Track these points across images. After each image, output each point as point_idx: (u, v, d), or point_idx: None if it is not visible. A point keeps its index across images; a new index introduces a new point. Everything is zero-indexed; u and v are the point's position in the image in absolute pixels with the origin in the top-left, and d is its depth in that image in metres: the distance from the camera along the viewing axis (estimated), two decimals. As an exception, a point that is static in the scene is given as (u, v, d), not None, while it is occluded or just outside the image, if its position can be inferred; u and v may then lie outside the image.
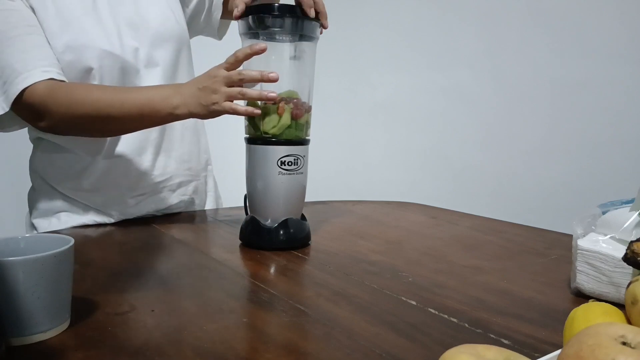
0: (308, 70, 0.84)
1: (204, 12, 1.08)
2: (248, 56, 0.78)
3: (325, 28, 0.82)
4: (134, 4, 0.97)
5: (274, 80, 0.76)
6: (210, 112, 0.79)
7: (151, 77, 0.97)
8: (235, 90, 0.77)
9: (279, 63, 0.82)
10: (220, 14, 1.08)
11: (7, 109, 0.83)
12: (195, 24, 1.11)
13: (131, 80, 0.95)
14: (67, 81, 0.86)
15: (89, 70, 0.89)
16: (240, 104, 0.79)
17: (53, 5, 0.88)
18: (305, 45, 0.83)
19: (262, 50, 0.76)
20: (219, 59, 1.17)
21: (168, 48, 0.99)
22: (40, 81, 0.82)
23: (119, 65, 0.92)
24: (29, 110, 0.84)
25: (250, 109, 0.78)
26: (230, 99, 0.78)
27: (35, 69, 0.82)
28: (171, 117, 0.82)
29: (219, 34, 1.13)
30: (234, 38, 0.97)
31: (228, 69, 0.78)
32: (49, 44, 0.86)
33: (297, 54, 0.83)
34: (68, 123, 0.85)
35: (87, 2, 0.91)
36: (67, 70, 0.88)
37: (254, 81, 0.77)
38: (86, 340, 0.49)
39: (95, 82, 0.90)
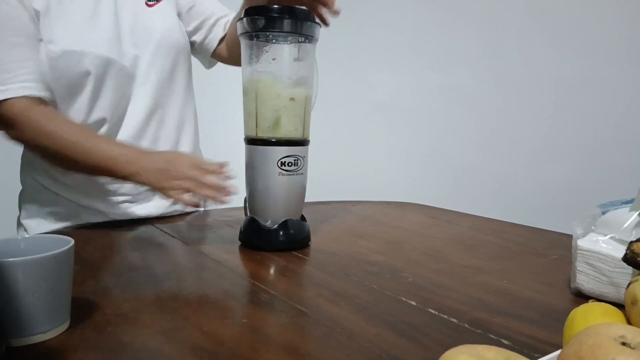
0: (310, 71, 0.84)
1: (197, 43, 1.09)
2: (216, 174, 0.80)
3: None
4: (138, 11, 0.97)
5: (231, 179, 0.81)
6: (163, 194, 0.83)
7: (147, 85, 0.98)
8: (190, 185, 0.80)
9: (279, 64, 0.82)
10: (212, 51, 1.08)
11: None
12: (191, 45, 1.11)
13: (127, 86, 0.95)
14: (48, 97, 0.87)
15: (85, 75, 0.90)
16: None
17: (56, 10, 0.88)
18: (305, 46, 0.82)
19: (225, 173, 0.81)
20: (219, 67, 1.16)
21: (167, 58, 1.00)
22: (18, 97, 0.84)
23: (116, 72, 0.93)
24: (3, 121, 0.86)
25: (194, 201, 0.81)
26: (186, 191, 0.81)
27: (15, 84, 0.84)
28: (129, 180, 0.85)
29: (209, 65, 1.14)
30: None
31: (192, 167, 0.81)
32: (43, 51, 0.87)
33: (300, 55, 0.83)
34: (33, 147, 0.90)
35: (90, 8, 0.92)
36: (63, 74, 0.88)
37: (212, 187, 0.80)
38: (86, 341, 0.49)
39: (91, 86, 0.91)
